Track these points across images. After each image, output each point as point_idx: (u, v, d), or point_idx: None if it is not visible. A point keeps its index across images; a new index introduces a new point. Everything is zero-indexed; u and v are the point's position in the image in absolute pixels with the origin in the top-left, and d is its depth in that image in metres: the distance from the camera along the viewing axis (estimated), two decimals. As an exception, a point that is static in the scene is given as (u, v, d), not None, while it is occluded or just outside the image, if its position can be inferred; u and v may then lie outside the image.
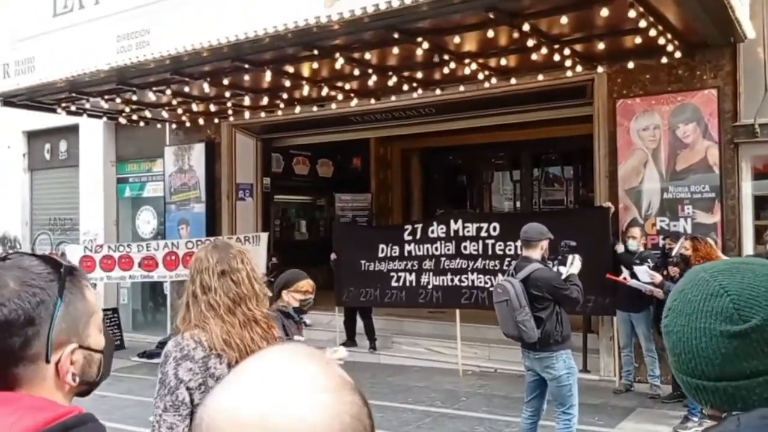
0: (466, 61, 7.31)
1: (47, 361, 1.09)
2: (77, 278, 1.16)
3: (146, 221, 12.36)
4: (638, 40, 6.60)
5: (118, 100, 9.21)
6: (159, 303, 12.43)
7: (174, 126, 11.12)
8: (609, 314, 7.55)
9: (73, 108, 9.81)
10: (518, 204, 14.59)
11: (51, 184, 13.70)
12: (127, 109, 9.95)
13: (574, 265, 5.03)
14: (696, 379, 0.98)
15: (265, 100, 9.21)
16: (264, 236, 10.33)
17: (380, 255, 8.85)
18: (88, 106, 9.71)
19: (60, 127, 12.54)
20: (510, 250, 7.78)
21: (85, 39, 7.99)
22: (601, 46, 6.88)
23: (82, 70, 7.93)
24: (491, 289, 6.55)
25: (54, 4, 8.33)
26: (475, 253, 8.14)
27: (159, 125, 11.12)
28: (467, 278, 8.16)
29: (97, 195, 12.50)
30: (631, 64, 7.46)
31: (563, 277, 4.99)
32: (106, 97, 9.02)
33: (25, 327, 1.06)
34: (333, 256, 9.46)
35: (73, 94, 8.93)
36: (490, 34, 6.27)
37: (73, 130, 12.60)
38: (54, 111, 9.86)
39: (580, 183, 13.47)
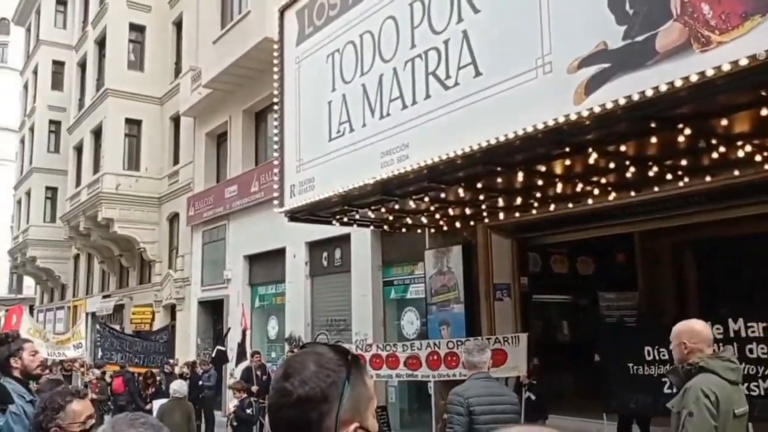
0: (739, 143, 6.62)
1: None
2: (360, 367, 1.34)
3: (410, 322, 12.89)
4: None
5: (383, 210, 9.95)
6: (424, 402, 12.67)
7: (432, 230, 11.64)
8: None
9: (345, 219, 10.82)
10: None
11: (327, 288, 15.08)
12: (391, 218, 10.69)
13: None
14: None
15: (518, 200, 9.25)
16: (523, 337, 10.07)
17: (648, 358, 8.08)
18: (357, 216, 10.66)
19: (334, 236, 13.91)
20: (813, 355, 6.58)
21: (353, 158, 8.90)
22: None
23: (352, 185, 8.80)
24: (792, 402, 5.54)
25: (329, 131, 9.44)
26: (765, 357, 7.02)
27: (419, 230, 11.73)
28: (757, 386, 7.02)
29: (366, 297, 13.42)
30: None
31: None
32: (372, 207, 9.81)
33: (322, 403, 1.25)
34: (596, 357, 8.90)
35: (345, 207, 9.88)
36: (765, 112, 5.64)
37: (345, 239, 13.87)
38: (330, 223, 10.98)
39: None
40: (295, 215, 10.61)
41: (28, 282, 38.59)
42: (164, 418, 7.20)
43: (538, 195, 8.90)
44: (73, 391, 3.04)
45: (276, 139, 10.79)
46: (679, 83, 5.21)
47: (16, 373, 4.26)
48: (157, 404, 10.88)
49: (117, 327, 23.27)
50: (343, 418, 1.25)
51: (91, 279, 28.70)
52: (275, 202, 10.72)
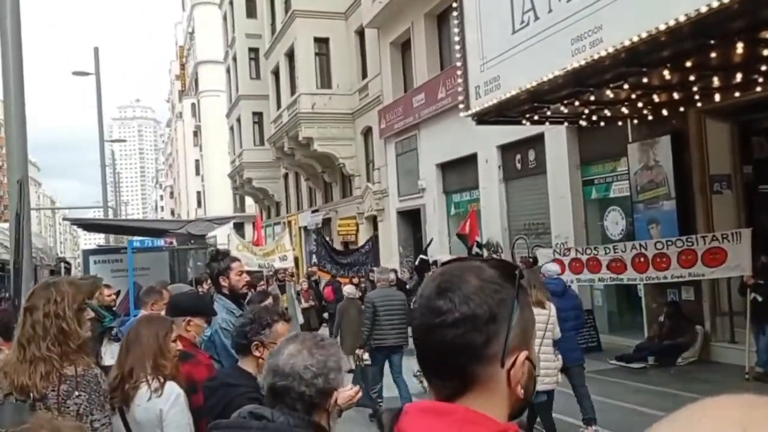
0: None
1: (501, 365, 1.03)
2: (525, 288, 1.10)
3: (614, 222, 12.12)
4: None
5: (577, 103, 9.20)
6: (634, 305, 12.03)
7: (635, 121, 10.60)
8: None
9: (536, 117, 10.22)
10: None
11: (522, 191, 14.62)
12: (586, 111, 9.88)
13: None
14: None
15: (738, 77, 8.01)
16: (746, 233, 8.98)
17: None
18: (549, 113, 9.98)
19: (526, 138, 13.31)
20: None
21: (540, 49, 8.21)
22: None
23: (540, 79, 8.17)
24: None
25: (512, 22, 8.77)
26: None
27: (619, 123, 10.75)
28: None
29: (565, 199, 12.79)
30: None
31: None
32: (565, 102, 9.11)
33: (488, 324, 1.02)
34: None
35: (535, 104, 9.27)
36: None
37: (538, 139, 13.19)
38: (519, 123, 10.43)
39: None
40: (482, 118, 10.21)
41: (249, 201, 42.55)
42: (344, 313, 9.66)
43: (764, 68, 7.61)
44: (280, 311, 3.17)
45: (458, 38, 10.31)
46: None
47: (225, 291, 4.53)
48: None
49: (327, 239, 24.92)
50: (512, 344, 1.03)
51: (299, 195, 30.83)
52: (461, 105, 10.37)
